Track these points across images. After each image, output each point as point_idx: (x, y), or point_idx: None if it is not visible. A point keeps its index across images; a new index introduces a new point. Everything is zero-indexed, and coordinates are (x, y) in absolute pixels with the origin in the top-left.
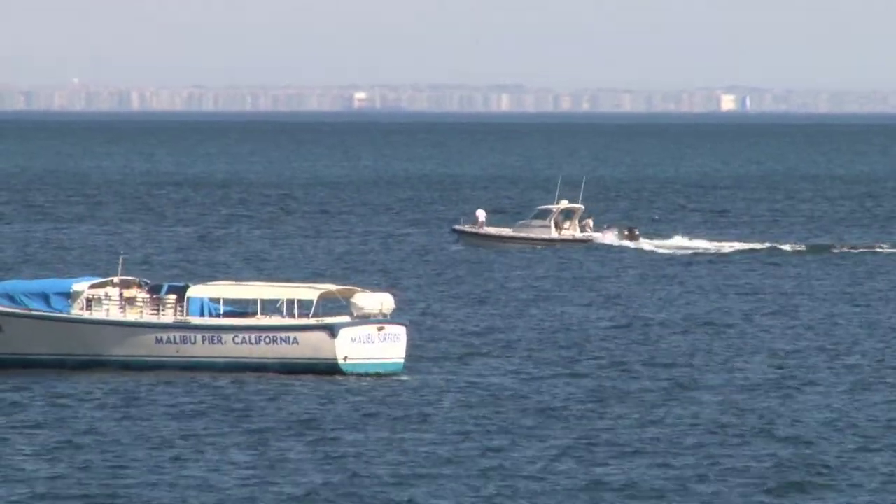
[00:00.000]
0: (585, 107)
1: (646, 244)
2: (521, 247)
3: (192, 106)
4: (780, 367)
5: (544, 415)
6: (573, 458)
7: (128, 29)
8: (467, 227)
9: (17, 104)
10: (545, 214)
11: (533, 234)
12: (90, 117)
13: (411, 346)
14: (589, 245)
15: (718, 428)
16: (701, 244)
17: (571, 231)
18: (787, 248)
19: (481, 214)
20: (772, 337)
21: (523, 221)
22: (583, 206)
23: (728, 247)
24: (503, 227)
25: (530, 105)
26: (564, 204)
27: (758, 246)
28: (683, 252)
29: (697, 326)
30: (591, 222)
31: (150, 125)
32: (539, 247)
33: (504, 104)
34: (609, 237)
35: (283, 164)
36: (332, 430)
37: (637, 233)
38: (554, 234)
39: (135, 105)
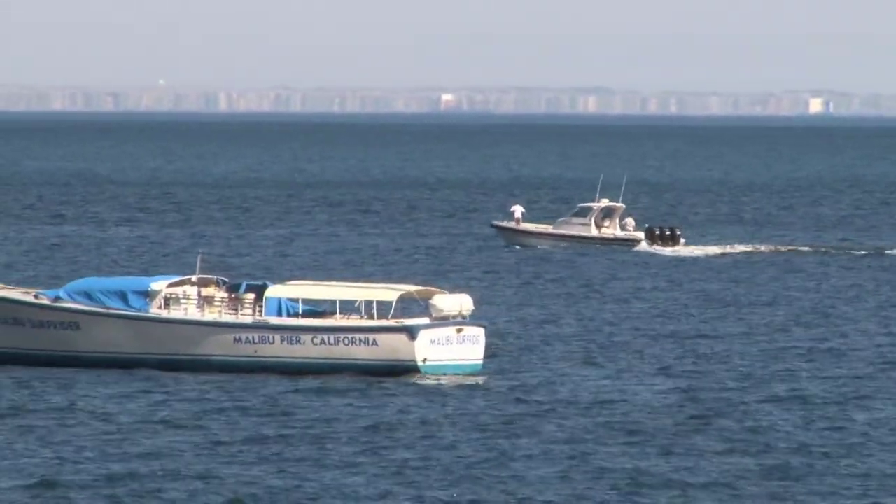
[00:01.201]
0: (673, 109)
1: (690, 248)
2: (560, 244)
3: (280, 107)
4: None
5: (631, 419)
6: (650, 461)
7: (214, 30)
8: (505, 223)
9: (106, 105)
10: (586, 212)
11: (573, 232)
12: (177, 118)
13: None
14: (631, 247)
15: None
16: (754, 248)
17: (612, 230)
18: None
19: (518, 210)
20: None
21: (563, 219)
22: (623, 205)
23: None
24: (542, 223)
25: (617, 107)
26: (605, 202)
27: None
28: (727, 253)
29: (795, 327)
30: (631, 221)
31: (237, 126)
32: (579, 244)
33: (591, 106)
34: (643, 238)
35: (368, 164)
36: (419, 432)
37: (678, 233)
38: (594, 232)
39: (222, 106)
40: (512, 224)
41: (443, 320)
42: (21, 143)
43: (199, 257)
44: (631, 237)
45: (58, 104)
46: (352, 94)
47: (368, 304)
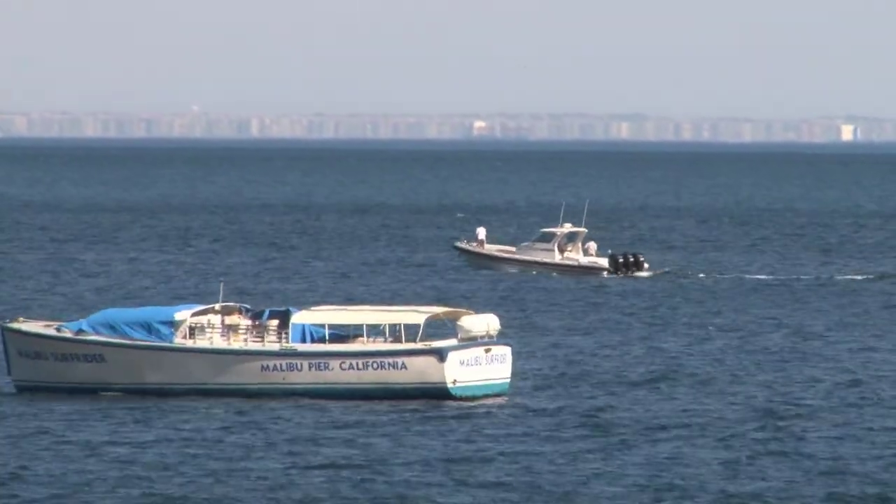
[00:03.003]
0: (706, 135)
1: (653, 273)
2: (524, 269)
3: (313, 133)
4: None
5: (656, 437)
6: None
7: (246, 57)
8: (468, 245)
9: (138, 132)
10: (549, 237)
11: (536, 257)
12: (210, 144)
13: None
14: (595, 274)
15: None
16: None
17: (574, 254)
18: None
19: (481, 232)
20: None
21: (526, 243)
22: (586, 230)
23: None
24: (504, 246)
25: (651, 133)
26: (568, 227)
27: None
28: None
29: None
30: (593, 245)
31: (270, 153)
32: (543, 269)
33: (624, 132)
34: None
35: (408, 190)
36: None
37: (641, 259)
38: (557, 257)
39: (255, 132)
40: (475, 246)
41: (471, 341)
42: (58, 169)
43: (221, 285)
44: (595, 265)
45: (90, 130)
46: (384, 120)
47: (394, 327)
